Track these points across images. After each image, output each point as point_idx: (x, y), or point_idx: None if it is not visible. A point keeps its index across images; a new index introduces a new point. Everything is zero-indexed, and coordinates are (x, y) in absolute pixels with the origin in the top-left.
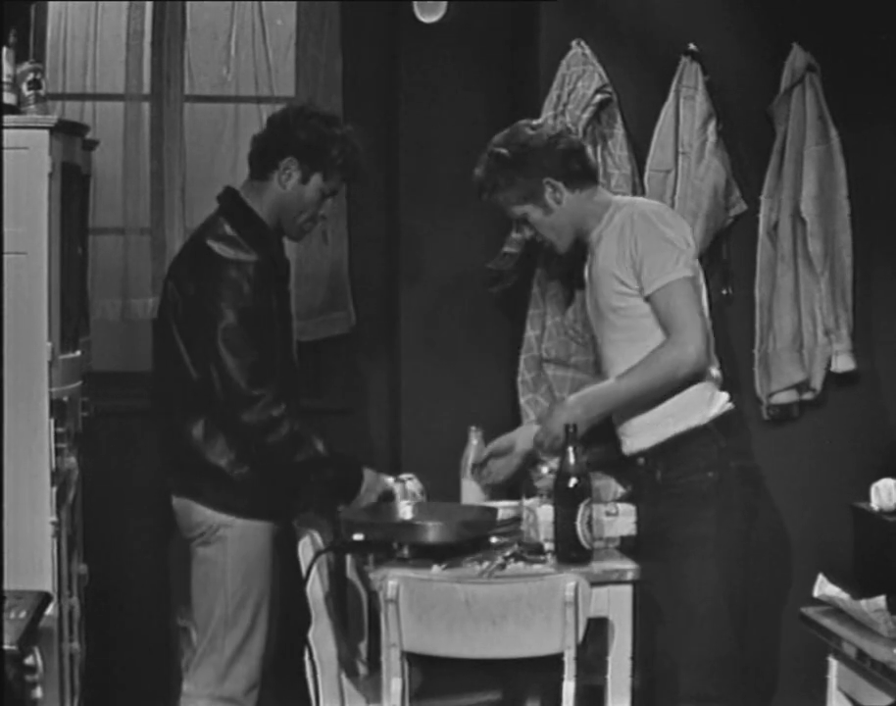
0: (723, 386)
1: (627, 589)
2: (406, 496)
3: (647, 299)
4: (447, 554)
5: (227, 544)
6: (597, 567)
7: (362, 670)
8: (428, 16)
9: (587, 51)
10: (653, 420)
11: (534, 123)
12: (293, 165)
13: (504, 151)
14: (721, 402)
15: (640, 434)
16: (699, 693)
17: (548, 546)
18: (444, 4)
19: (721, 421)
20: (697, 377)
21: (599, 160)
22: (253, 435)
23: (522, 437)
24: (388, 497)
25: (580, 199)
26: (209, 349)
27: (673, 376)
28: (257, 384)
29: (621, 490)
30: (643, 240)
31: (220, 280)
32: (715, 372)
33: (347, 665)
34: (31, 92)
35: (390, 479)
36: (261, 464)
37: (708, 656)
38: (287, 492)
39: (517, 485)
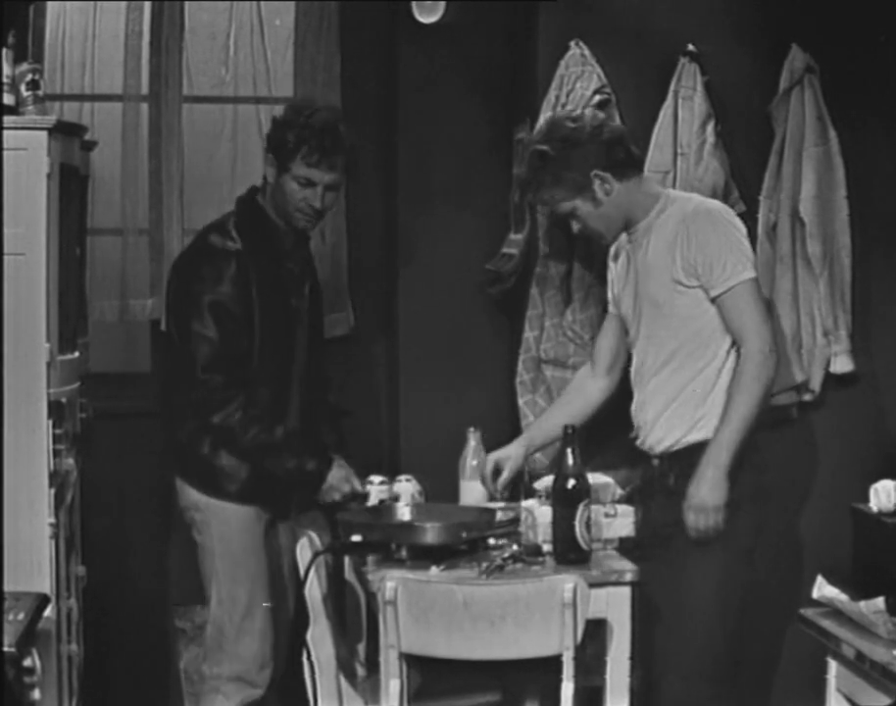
0: None
1: (626, 591)
2: (373, 499)
3: (713, 300)
4: (445, 555)
5: (213, 528)
6: (596, 568)
7: (360, 671)
8: (427, 16)
9: (586, 51)
10: (673, 422)
11: (574, 114)
12: (270, 159)
13: (546, 148)
14: None
15: (658, 433)
16: (699, 699)
17: (546, 547)
18: (442, 4)
19: None
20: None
21: None
22: (199, 414)
23: (514, 457)
24: (362, 499)
25: (629, 189)
26: (179, 332)
27: (768, 385)
28: (209, 368)
29: (619, 491)
30: (712, 239)
31: (199, 267)
32: None
33: (345, 666)
34: (30, 93)
35: (356, 481)
36: (215, 446)
37: (707, 665)
38: (275, 480)
39: (515, 487)
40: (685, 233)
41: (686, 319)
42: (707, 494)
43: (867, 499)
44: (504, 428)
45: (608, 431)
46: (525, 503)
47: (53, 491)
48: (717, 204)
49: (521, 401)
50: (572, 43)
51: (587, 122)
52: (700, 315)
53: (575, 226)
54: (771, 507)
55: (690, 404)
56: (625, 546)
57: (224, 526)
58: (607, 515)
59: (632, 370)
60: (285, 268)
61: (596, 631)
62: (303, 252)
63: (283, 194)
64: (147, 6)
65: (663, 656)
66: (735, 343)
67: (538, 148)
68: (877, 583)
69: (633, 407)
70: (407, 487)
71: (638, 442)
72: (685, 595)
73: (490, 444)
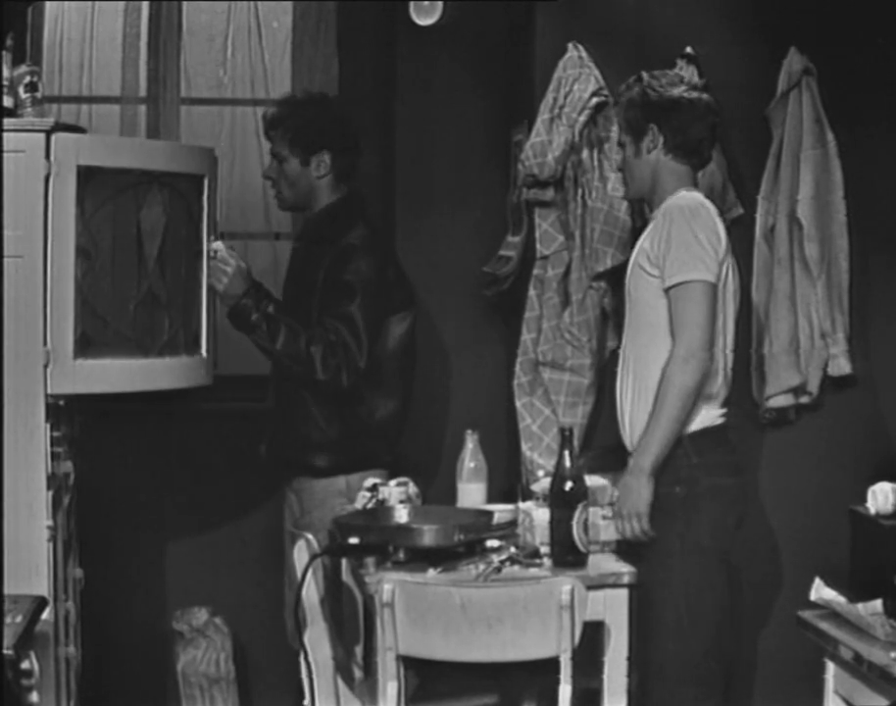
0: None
1: (624, 593)
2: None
3: (666, 293)
4: (443, 557)
5: None
6: (593, 570)
7: (357, 673)
8: (424, 18)
9: (583, 54)
10: (637, 418)
11: (695, 82)
12: None
13: (650, 80)
14: (706, 417)
15: (628, 429)
16: (680, 701)
17: (544, 549)
18: (440, 6)
19: (698, 436)
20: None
21: (595, 163)
22: None
23: None
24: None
25: (667, 165)
26: None
27: (684, 389)
28: None
29: (616, 493)
30: (674, 232)
31: None
32: (713, 387)
33: (343, 668)
34: (28, 95)
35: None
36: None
37: (680, 666)
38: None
39: (513, 488)
40: (660, 223)
41: (645, 309)
42: (625, 501)
43: (864, 501)
44: (502, 430)
45: (605, 433)
46: (523, 505)
47: (51, 494)
48: (696, 201)
49: (518, 403)
50: (570, 45)
51: (691, 97)
52: (657, 306)
53: (618, 159)
54: (743, 508)
55: (651, 399)
56: (623, 548)
57: None
58: (604, 517)
59: (618, 364)
60: (293, 244)
61: (594, 634)
62: (303, 232)
63: None
64: (145, 8)
65: (644, 658)
66: None
67: (648, 76)
68: (875, 586)
69: (617, 403)
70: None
71: (623, 439)
72: (654, 595)
73: (488, 446)
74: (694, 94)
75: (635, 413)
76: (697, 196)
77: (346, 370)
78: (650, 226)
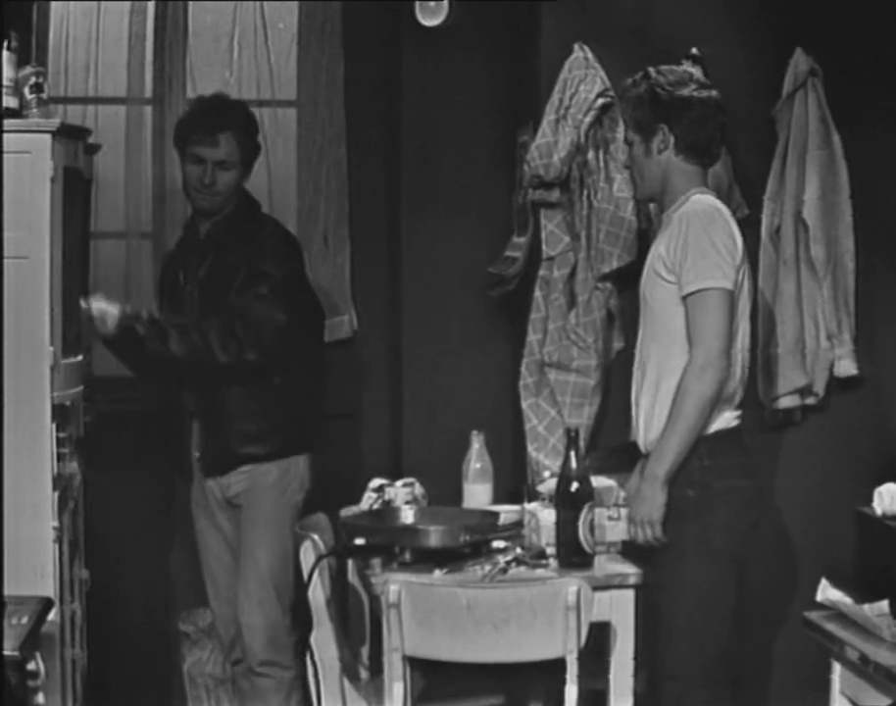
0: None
1: (630, 594)
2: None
3: (683, 300)
4: (449, 558)
5: None
6: (599, 571)
7: (364, 673)
8: (430, 19)
9: (589, 55)
10: (654, 422)
11: (701, 80)
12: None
13: (658, 78)
14: (721, 420)
15: (644, 432)
16: (692, 701)
17: (550, 550)
18: (445, 7)
19: (713, 439)
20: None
21: (601, 164)
22: None
23: None
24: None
25: (678, 166)
26: None
27: (701, 398)
28: None
29: (622, 494)
30: (692, 239)
31: None
32: (729, 389)
33: (349, 668)
34: (34, 96)
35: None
36: None
37: (695, 667)
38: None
39: (519, 489)
40: (676, 229)
41: (663, 314)
42: (638, 508)
43: (871, 502)
44: (507, 431)
45: (611, 434)
46: (529, 506)
47: (56, 495)
48: (712, 206)
49: (524, 404)
50: (576, 46)
51: (701, 94)
52: (675, 312)
53: (625, 158)
54: (758, 511)
55: (668, 404)
56: (629, 549)
57: None
58: (610, 518)
59: (634, 366)
60: (181, 249)
61: (600, 634)
62: (210, 236)
63: (184, 178)
64: (150, 8)
65: (656, 658)
66: None
67: (654, 73)
68: (882, 586)
69: (633, 408)
70: (415, 491)
71: (637, 442)
72: (666, 597)
73: (494, 447)
74: (704, 93)
75: (651, 415)
76: (712, 200)
77: (249, 347)
78: (666, 231)
